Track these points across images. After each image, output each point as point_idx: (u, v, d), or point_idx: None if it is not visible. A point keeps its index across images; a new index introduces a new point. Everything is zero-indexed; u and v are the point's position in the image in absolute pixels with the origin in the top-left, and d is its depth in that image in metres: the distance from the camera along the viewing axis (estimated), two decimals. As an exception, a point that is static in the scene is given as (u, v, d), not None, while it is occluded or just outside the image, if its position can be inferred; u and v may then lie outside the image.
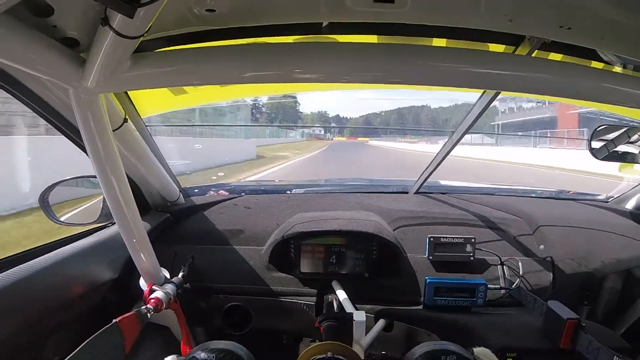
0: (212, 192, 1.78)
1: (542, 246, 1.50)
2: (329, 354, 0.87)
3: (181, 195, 1.63)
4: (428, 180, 1.82)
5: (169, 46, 1.01)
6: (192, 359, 0.90)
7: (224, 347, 0.93)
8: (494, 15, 0.89)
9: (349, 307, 1.24)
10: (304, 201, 1.69)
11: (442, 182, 2.12)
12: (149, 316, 1.06)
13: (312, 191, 1.89)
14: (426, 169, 1.76)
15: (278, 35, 1.03)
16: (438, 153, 1.70)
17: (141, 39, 0.75)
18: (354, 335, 1.15)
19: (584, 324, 1.06)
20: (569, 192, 2.14)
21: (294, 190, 1.87)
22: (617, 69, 1.20)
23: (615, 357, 0.95)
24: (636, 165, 1.60)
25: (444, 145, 1.67)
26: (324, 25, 0.98)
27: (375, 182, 2.17)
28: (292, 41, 1.04)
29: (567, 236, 1.55)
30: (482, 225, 1.57)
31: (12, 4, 0.57)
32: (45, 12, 0.70)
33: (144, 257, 1.17)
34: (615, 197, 1.94)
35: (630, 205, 1.84)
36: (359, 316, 1.16)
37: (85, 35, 0.77)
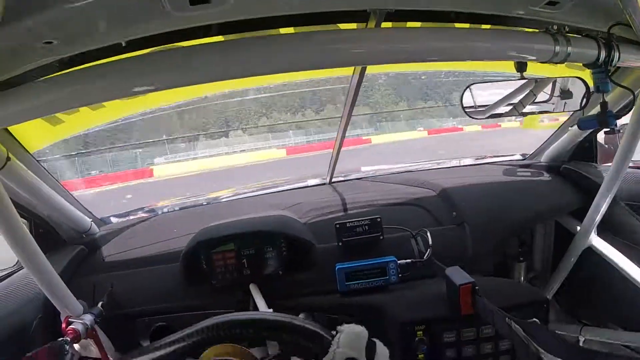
0: (130, 217, 1.75)
1: (454, 213, 1.53)
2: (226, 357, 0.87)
3: (93, 225, 1.60)
4: (347, 169, 1.83)
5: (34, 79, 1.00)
6: None
7: None
8: None
9: (263, 308, 1.24)
10: (218, 211, 1.68)
11: (363, 169, 2.13)
12: (66, 347, 1.10)
13: (228, 199, 1.88)
14: (331, 158, 1.77)
15: (128, 52, 1.02)
16: (335, 140, 1.71)
17: None
18: None
19: (477, 287, 1.08)
20: (485, 157, 2.18)
21: (211, 202, 1.86)
22: (485, 27, 1.22)
23: (507, 318, 0.97)
24: (540, 117, 1.64)
25: (337, 131, 1.68)
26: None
27: (293, 180, 2.15)
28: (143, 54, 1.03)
29: (480, 199, 1.58)
30: (393, 204, 1.59)
31: None
32: None
33: (56, 292, 1.17)
34: (530, 153, 1.99)
35: (544, 158, 1.89)
36: None
37: None
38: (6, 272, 1.44)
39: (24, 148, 1.33)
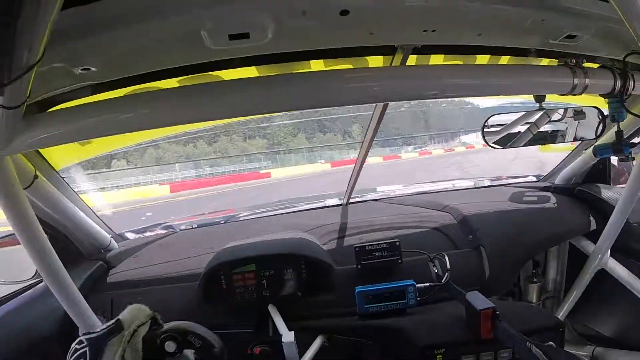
0: (148, 233, 1.77)
1: (470, 236, 1.54)
2: None
3: (112, 241, 1.61)
4: (364, 189, 1.85)
5: (66, 101, 1.03)
6: None
7: None
8: (355, 32, 0.93)
9: (283, 330, 1.25)
10: (236, 230, 1.69)
11: (379, 189, 2.15)
12: None
13: (246, 218, 1.89)
14: (349, 180, 1.79)
15: (163, 79, 1.05)
16: (355, 164, 1.73)
17: (25, 104, 0.77)
18: (286, 356, 1.16)
19: (498, 312, 1.10)
20: (501, 178, 2.20)
21: (229, 220, 1.87)
22: (504, 59, 1.25)
23: (527, 342, 0.99)
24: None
25: (357, 156, 1.70)
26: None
27: (310, 200, 2.17)
28: (176, 82, 1.06)
29: (495, 222, 1.59)
30: (411, 227, 1.60)
31: None
32: None
33: (76, 307, 1.17)
34: (545, 175, 2.01)
35: (558, 180, 1.91)
36: (287, 337, 1.18)
37: None
38: (26, 285, 1.45)
39: (52, 166, 1.36)
